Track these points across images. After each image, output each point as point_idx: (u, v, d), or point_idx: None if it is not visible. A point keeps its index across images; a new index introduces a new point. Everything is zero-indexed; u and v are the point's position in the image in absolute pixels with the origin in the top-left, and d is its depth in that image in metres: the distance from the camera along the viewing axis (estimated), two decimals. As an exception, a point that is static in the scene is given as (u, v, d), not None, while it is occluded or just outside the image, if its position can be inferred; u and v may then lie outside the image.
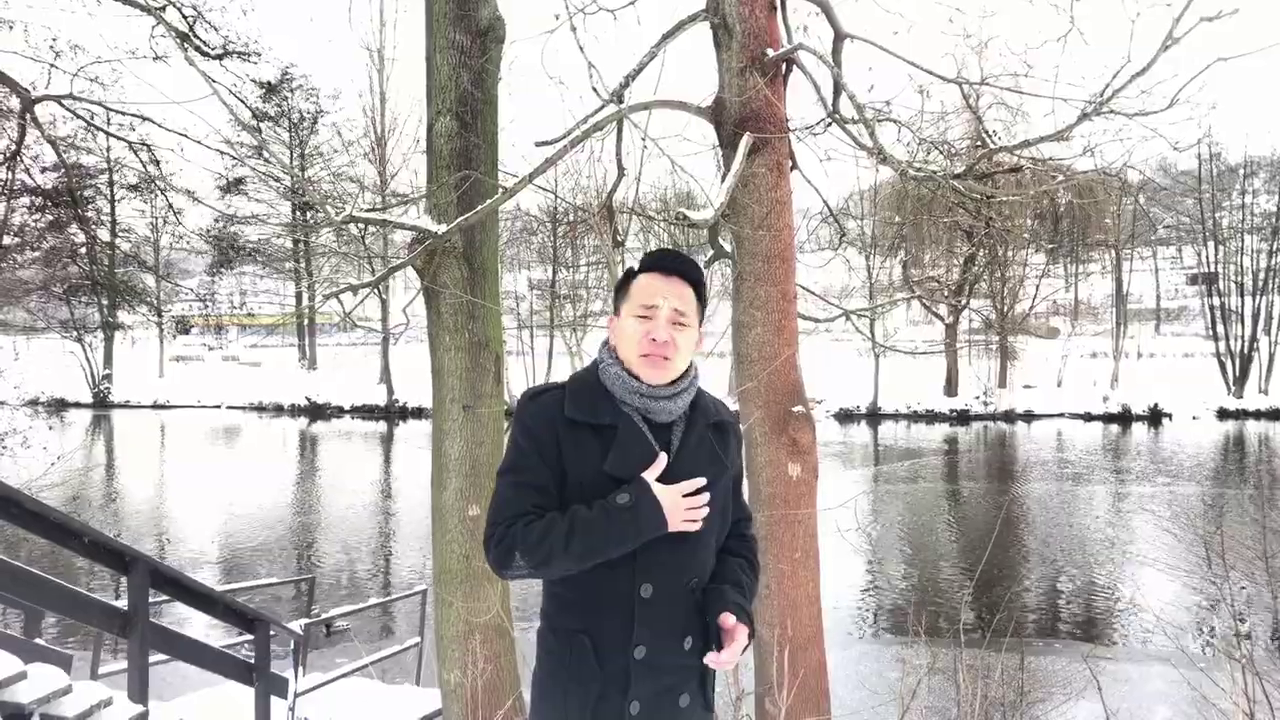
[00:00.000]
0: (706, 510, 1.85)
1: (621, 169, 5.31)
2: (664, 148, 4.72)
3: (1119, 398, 37.60)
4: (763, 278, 4.77)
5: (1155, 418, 36.34)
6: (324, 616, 7.68)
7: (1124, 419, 36.33)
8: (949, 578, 14.09)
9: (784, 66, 4.91)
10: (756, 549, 2.13)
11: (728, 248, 5.55)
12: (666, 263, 1.92)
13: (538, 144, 5.32)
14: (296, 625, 6.53)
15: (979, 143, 4.52)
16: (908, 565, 15.11)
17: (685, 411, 1.95)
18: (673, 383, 1.91)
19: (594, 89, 4.62)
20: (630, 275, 1.96)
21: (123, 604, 4.94)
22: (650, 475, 1.81)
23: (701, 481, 1.84)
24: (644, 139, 4.44)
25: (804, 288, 6.05)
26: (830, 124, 5.52)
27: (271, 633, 6.32)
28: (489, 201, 4.53)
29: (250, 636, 6.33)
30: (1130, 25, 3.45)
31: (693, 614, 1.88)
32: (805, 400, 4.89)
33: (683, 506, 1.81)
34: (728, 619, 1.83)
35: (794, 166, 5.43)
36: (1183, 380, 39.23)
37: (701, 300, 1.97)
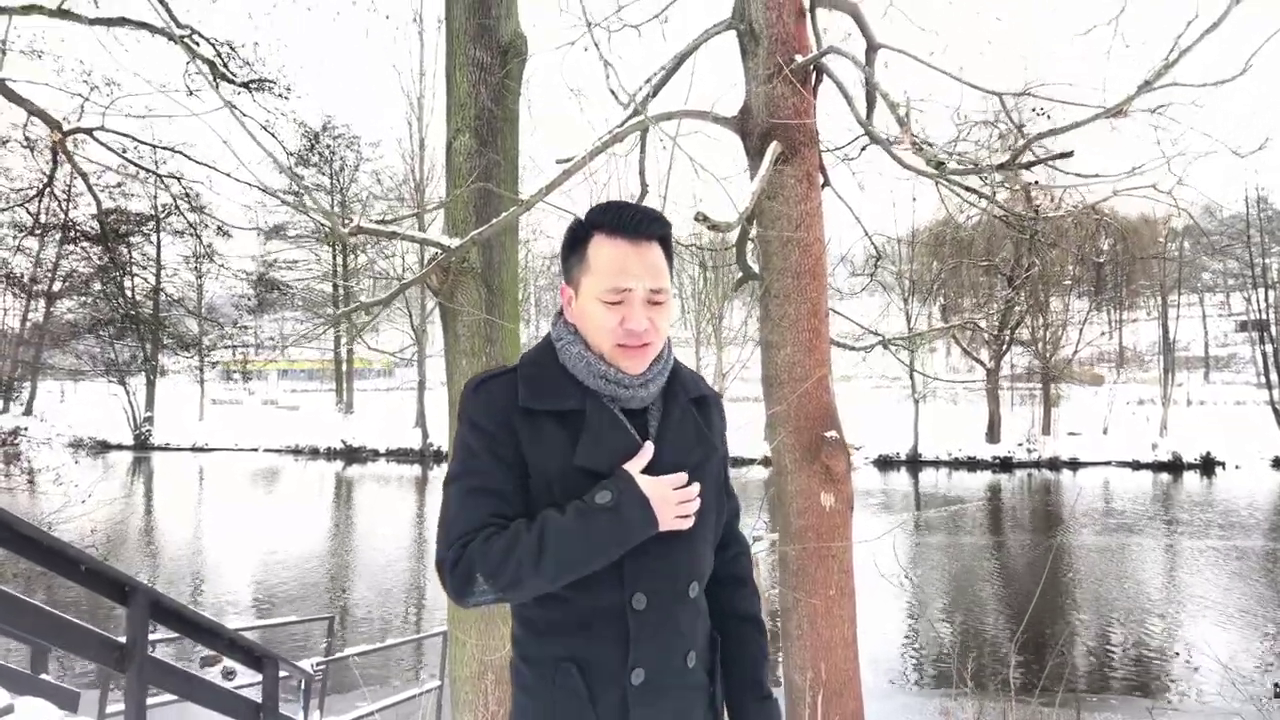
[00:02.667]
0: (699, 503, 1.55)
1: (644, 185, 5.11)
2: (688, 160, 4.50)
3: (1168, 445, 36.46)
4: (792, 295, 4.51)
5: (1208, 466, 35.14)
6: (339, 655, 7.43)
7: (1175, 467, 35.17)
8: (995, 628, 13.48)
9: (814, 76, 4.70)
10: (750, 565, 1.81)
11: (755, 268, 5.31)
12: (632, 225, 1.54)
13: (558, 161, 5.15)
14: (307, 664, 6.27)
15: (1021, 134, 4.24)
16: (951, 614, 14.51)
17: (661, 391, 1.64)
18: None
19: (611, 92, 4.43)
20: (582, 233, 1.59)
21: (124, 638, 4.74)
22: (634, 467, 1.50)
23: (684, 478, 1.54)
24: (665, 142, 4.23)
25: (838, 312, 5.78)
26: (866, 144, 5.30)
27: (282, 673, 6.08)
28: (505, 214, 4.34)
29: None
30: None
31: (694, 624, 1.59)
32: (839, 424, 4.59)
33: (673, 501, 1.50)
34: None
35: (826, 183, 5.20)
36: (1235, 428, 37.95)
37: (670, 257, 1.63)
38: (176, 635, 5.85)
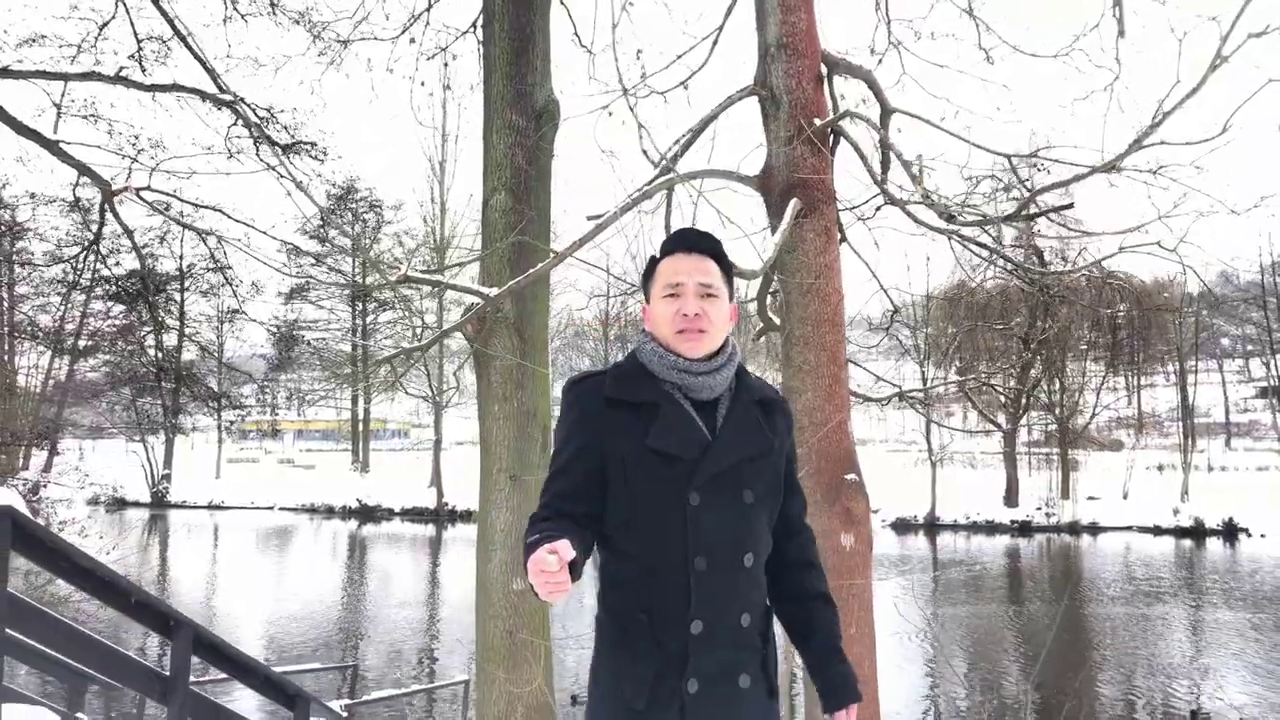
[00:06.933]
0: (561, 589, 1.56)
1: (671, 240, 5.39)
2: (711, 216, 4.78)
3: (1190, 511, 36.02)
4: (811, 342, 4.74)
5: (1231, 533, 34.66)
6: (365, 699, 7.53)
7: (1197, 533, 34.70)
8: (1013, 691, 13.35)
9: (831, 138, 4.99)
10: (816, 553, 2.08)
11: (776, 320, 5.55)
12: (685, 241, 1.95)
13: (589, 218, 5.44)
14: (337, 705, 6.39)
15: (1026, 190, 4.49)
16: (970, 675, 14.38)
17: (729, 388, 1.93)
18: (710, 358, 1.89)
19: (643, 152, 4.74)
20: (654, 262, 1.99)
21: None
22: (547, 550, 1.56)
23: (553, 563, 1.56)
24: (695, 197, 4.51)
25: (855, 362, 6.00)
26: (881, 204, 5.57)
27: (313, 715, 6.19)
28: (540, 265, 4.61)
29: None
30: (1177, 44, 3.44)
31: (749, 590, 1.84)
32: (858, 468, 4.78)
33: (536, 571, 1.56)
34: (848, 715, 1.93)
35: (843, 239, 5.46)
36: (1259, 495, 37.44)
37: (727, 274, 1.98)
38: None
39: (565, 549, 1.56)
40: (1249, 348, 54.44)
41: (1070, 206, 4.07)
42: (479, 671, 5.38)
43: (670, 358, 1.86)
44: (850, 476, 4.74)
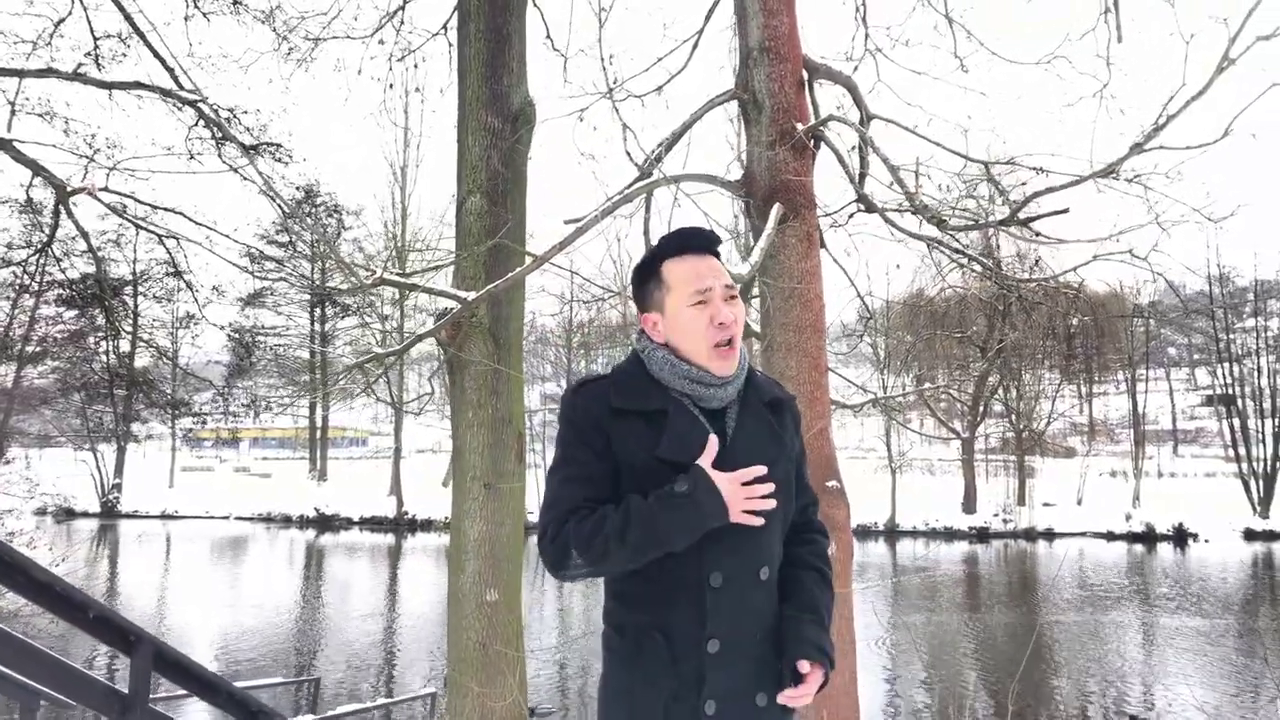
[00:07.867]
0: (772, 503, 1.68)
1: (649, 244, 5.34)
2: (695, 209, 4.74)
3: (1142, 516, 36.78)
4: (793, 349, 4.70)
5: (1180, 538, 35.43)
6: (329, 715, 7.34)
7: (1148, 538, 35.43)
8: (980, 700, 13.45)
9: (813, 143, 4.97)
10: (826, 546, 1.98)
11: (755, 327, 5.51)
12: (698, 241, 1.82)
13: (566, 221, 5.37)
14: (301, 721, 6.21)
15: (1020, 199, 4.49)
16: (932, 684, 14.46)
17: (738, 394, 1.83)
18: None
19: (627, 153, 4.68)
20: (654, 264, 1.84)
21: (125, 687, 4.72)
22: (705, 461, 1.66)
23: (761, 470, 1.67)
24: (675, 199, 4.46)
25: (833, 370, 5.97)
26: (855, 211, 5.56)
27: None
28: (520, 269, 4.52)
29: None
30: (1183, 46, 3.46)
31: (765, 605, 1.76)
32: (839, 475, 4.74)
33: (742, 496, 1.64)
34: (803, 666, 1.72)
35: (822, 245, 5.44)
36: (1206, 500, 38.42)
37: None
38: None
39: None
40: (1195, 356, 55.73)
41: (1066, 211, 4.07)
42: (451, 684, 5.26)
43: (684, 367, 1.76)
44: (831, 483, 4.70)
